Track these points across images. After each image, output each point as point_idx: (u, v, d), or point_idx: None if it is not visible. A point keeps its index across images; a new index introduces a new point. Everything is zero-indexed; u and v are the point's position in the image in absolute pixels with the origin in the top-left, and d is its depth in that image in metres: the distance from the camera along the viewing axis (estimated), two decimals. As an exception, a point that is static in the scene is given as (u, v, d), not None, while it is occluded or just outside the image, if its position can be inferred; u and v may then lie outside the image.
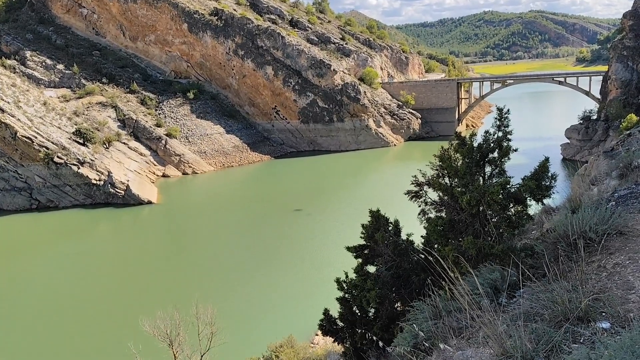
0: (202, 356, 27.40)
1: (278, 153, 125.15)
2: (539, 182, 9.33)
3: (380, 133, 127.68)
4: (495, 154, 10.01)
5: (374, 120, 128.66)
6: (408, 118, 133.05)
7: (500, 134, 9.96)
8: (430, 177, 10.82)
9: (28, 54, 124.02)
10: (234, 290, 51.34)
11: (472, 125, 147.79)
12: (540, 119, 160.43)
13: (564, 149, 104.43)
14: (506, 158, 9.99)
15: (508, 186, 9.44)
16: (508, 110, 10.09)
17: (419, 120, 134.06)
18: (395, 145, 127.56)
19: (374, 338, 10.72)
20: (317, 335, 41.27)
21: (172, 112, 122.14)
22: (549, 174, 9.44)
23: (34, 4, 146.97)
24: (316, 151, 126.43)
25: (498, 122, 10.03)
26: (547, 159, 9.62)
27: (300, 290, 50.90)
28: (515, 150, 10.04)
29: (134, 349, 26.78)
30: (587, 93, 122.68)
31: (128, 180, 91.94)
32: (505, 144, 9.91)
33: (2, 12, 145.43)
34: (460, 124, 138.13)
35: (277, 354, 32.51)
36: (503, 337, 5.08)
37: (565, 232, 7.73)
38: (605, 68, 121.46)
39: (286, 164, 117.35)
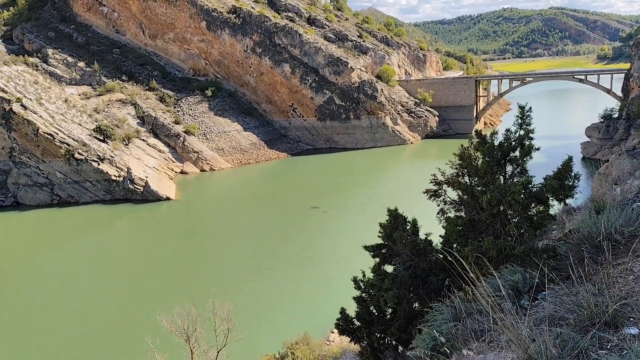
0: (218, 352, 27.48)
1: (295, 150, 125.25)
2: (562, 181, 9.10)
3: (397, 131, 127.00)
4: (517, 153, 9.79)
5: (390, 118, 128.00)
6: (425, 116, 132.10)
7: (521, 132, 9.74)
8: (449, 176, 10.62)
9: (50, 51, 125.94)
10: (250, 287, 51.52)
11: (491, 124, 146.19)
12: (560, 117, 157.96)
13: (584, 148, 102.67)
14: (528, 157, 9.76)
15: (530, 186, 9.22)
16: (530, 108, 9.86)
17: (437, 118, 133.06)
18: (412, 143, 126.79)
19: (391, 339, 10.55)
20: (332, 332, 41.19)
21: (191, 109, 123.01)
22: (573, 174, 9.20)
23: (56, 3, 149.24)
24: (333, 149, 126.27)
25: (520, 120, 9.80)
26: (570, 158, 9.38)
27: (316, 288, 50.88)
28: (538, 149, 9.79)
29: (152, 344, 26.95)
30: (609, 91, 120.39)
31: (147, 177, 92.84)
32: (527, 143, 9.69)
33: (25, 11, 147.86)
34: (478, 122, 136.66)
35: (292, 351, 32.49)
36: (527, 341, 4.94)
37: (589, 233, 7.52)
38: (627, 66, 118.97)
39: (303, 161, 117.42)
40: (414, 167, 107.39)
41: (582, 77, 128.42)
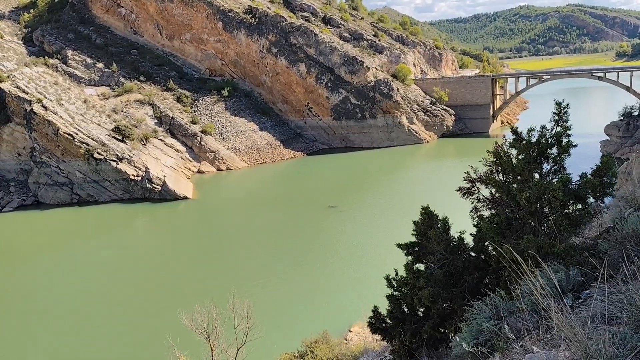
0: (238, 350, 27.55)
1: (310, 150, 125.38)
2: (601, 178, 8.95)
3: (413, 130, 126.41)
4: (554, 150, 9.66)
5: (406, 117, 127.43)
6: (441, 115, 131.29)
7: (559, 129, 9.61)
8: (483, 174, 10.50)
9: (69, 53, 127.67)
10: (268, 286, 51.70)
11: (507, 122, 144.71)
12: (578, 115, 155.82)
13: (603, 146, 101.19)
14: (566, 154, 9.62)
15: (569, 183, 9.09)
16: (567, 104, 9.72)
17: (453, 117, 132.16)
18: (428, 142, 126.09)
19: (433, 335, 10.45)
20: (350, 331, 41.24)
21: (207, 109, 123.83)
22: (611, 171, 9.05)
23: (75, 5, 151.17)
24: (348, 148, 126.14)
25: (557, 117, 9.67)
26: (609, 155, 9.22)
27: (333, 287, 50.87)
28: (575, 146, 9.65)
29: (172, 342, 27.12)
30: (628, 89, 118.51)
31: (164, 176, 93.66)
32: (565, 140, 9.55)
33: (45, 13, 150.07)
34: (494, 121, 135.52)
35: (312, 350, 32.49)
36: (585, 340, 4.85)
37: (634, 230, 7.39)
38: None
39: (318, 160, 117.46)
40: (431, 167, 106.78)
41: (601, 74, 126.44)
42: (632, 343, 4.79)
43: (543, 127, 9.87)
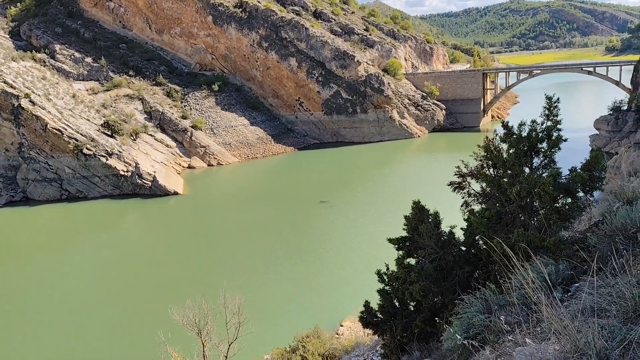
0: (229, 345, 27.51)
1: (301, 144, 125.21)
2: (591, 172, 9.00)
3: (404, 124, 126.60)
4: (544, 144, 9.70)
5: (397, 112, 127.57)
6: (432, 109, 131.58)
7: (549, 123, 9.64)
8: (473, 168, 10.53)
9: (57, 47, 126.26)
10: (260, 281, 51.72)
11: (498, 117, 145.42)
12: (568, 109, 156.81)
13: (592, 140, 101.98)
14: (556, 148, 9.67)
15: (559, 177, 9.13)
16: (558, 99, 9.75)
17: (444, 112, 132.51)
18: (419, 136, 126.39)
19: (424, 329, 10.51)
20: (341, 326, 41.42)
21: (198, 104, 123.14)
22: (601, 165, 9.10)
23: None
24: (339, 142, 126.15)
25: (547, 112, 9.70)
26: (598, 149, 9.27)
27: (324, 282, 50.99)
28: (565, 140, 9.70)
29: (164, 338, 27.00)
30: (618, 83, 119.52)
31: (155, 172, 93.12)
32: (555, 134, 9.59)
33: (32, 7, 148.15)
34: (485, 115, 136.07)
35: (303, 344, 32.57)
36: (574, 333, 4.88)
37: (623, 224, 7.44)
38: (636, 57, 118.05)
39: (310, 155, 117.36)
40: (422, 161, 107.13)
41: (591, 69, 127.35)
42: (621, 335, 4.82)
43: (533, 121, 9.90)
